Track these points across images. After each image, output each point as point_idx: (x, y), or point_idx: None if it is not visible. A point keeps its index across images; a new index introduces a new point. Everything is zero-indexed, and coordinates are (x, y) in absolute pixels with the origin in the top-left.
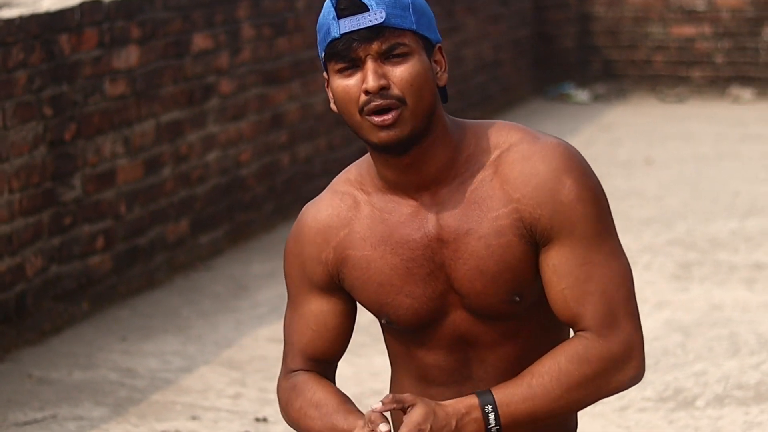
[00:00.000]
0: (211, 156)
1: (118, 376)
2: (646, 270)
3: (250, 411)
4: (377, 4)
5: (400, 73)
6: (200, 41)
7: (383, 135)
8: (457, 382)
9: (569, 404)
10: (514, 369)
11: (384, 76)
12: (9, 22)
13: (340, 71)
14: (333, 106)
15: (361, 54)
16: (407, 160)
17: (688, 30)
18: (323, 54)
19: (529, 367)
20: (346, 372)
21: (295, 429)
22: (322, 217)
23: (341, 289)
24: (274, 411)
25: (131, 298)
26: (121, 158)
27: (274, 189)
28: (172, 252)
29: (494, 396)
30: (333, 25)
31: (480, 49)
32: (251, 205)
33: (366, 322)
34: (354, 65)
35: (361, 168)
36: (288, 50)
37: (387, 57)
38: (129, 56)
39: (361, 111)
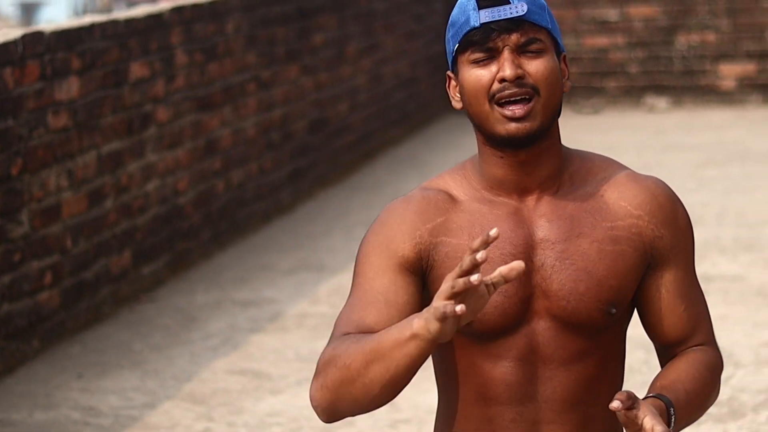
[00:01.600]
0: (151, 185)
1: (81, 415)
2: None
3: None
4: None
5: (536, 66)
6: (137, 69)
7: (513, 126)
8: (520, 401)
9: (704, 410)
10: (577, 394)
11: (520, 66)
12: None
13: (474, 61)
14: (456, 104)
15: (500, 44)
16: (523, 157)
17: (601, 41)
18: (456, 46)
19: (670, 372)
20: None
21: (341, 392)
22: (416, 204)
23: (422, 278)
24: None
25: (80, 334)
26: (65, 191)
27: (210, 216)
28: (117, 285)
29: (671, 400)
30: (473, 15)
31: (398, 66)
32: (189, 233)
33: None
34: (490, 56)
35: (454, 175)
36: (219, 75)
37: (523, 51)
38: (70, 87)
39: (491, 99)
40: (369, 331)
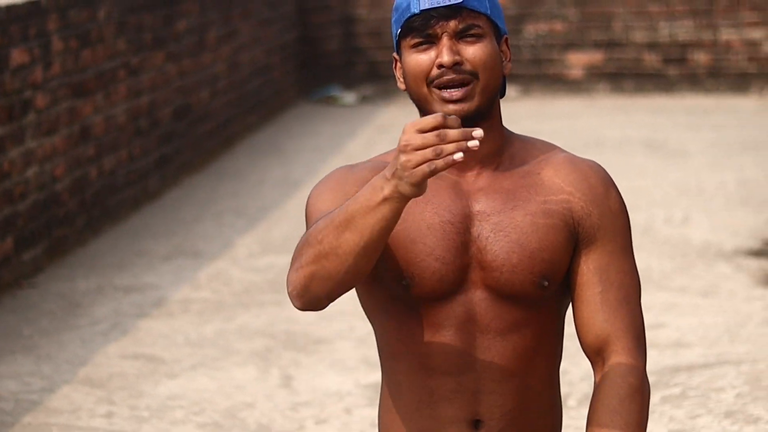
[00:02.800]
0: (30, 171)
1: None
2: None
3: (128, 429)
4: None
5: (473, 51)
6: (17, 56)
7: (451, 107)
8: (459, 371)
9: None
10: (515, 364)
11: (458, 53)
12: None
13: (414, 46)
14: (400, 84)
15: (438, 31)
16: None
17: None
18: (398, 30)
19: (603, 414)
20: (209, 386)
21: (315, 269)
22: (362, 168)
23: None
24: (150, 428)
25: None
26: None
27: (84, 203)
28: None
29: None
30: (414, 1)
31: (254, 53)
32: (65, 220)
33: (212, 334)
34: (429, 41)
35: (395, 151)
36: (92, 62)
37: (461, 36)
38: None
39: (430, 83)
40: None
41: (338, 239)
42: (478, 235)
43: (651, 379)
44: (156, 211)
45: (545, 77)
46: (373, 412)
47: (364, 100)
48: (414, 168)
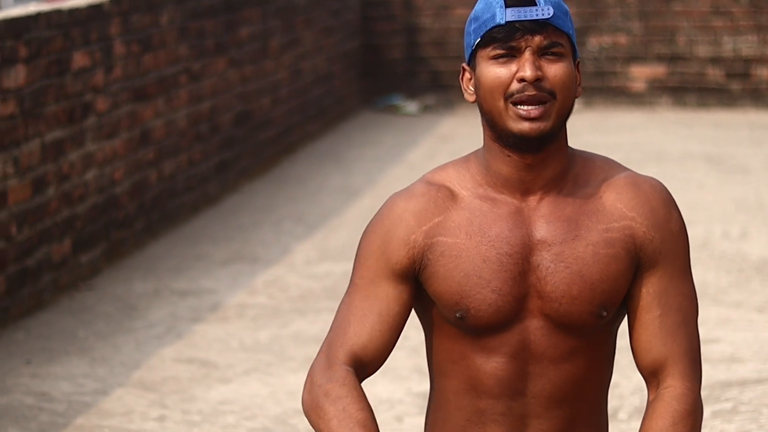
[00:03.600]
0: (90, 174)
1: (34, 401)
2: None
3: None
4: (545, 1)
5: (555, 70)
6: (79, 59)
7: (526, 125)
8: (509, 396)
9: None
10: (565, 391)
11: (540, 69)
12: None
13: (494, 57)
14: (468, 96)
15: (522, 44)
16: (530, 159)
17: None
18: (478, 40)
19: None
20: (262, 391)
21: (317, 421)
22: (416, 202)
23: (414, 280)
24: None
25: (23, 320)
26: (11, 178)
27: (143, 206)
28: (57, 272)
29: None
30: (499, 12)
31: (316, 61)
32: (124, 223)
33: (266, 340)
34: (510, 55)
35: (458, 167)
36: (153, 66)
37: (544, 53)
38: (17, 75)
39: (507, 98)
40: (361, 353)
41: None
42: (539, 265)
43: (703, 393)
44: (215, 216)
45: (608, 90)
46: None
47: (426, 109)
48: None
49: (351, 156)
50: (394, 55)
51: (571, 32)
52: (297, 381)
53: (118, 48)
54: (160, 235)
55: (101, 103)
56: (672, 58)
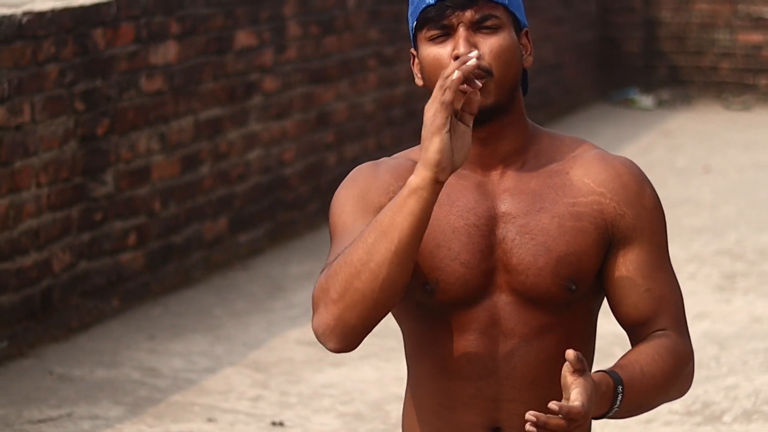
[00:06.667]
0: (253, 154)
1: (140, 375)
2: (690, 279)
3: (268, 414)
4: None
5: (490, 44)
6: (243, 38)
7: None
8: (480, 376)
9: (663, 396)
10: (538, 372)
11: (475, 45)
12: (40, 15)
13: (431, 39)
14: (418, 81)
15: (454, 21)
16: (483, 133)
17: (755, 37)
18: (414, 23)
19: (630, 354)
20: (370, 376)
21: (347, 296)
22: (387, 165)
23: None
24: (292, 415)
25: (164, 296)
26: (156, 155)
27: (318, 188)
28: (210, 250)
29: (622, 378)
30: None
31: (540, 51)
32: (294, 204)
33: (396, 326)
34: (445, 33)
35: (419, 149)
36: (336, 49)
37: (478, 28)
38: (167, 52)
39: None
40: None
41: (368, 253)
42: (504, 238)
43: None
44: None
45: None
46: None
47: (662, 104)
48: (432, 118)
49: None
50: (631, 48)
51: (506, 2)
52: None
53: (293, 29)
54: None
55: (269, 83)
56: None
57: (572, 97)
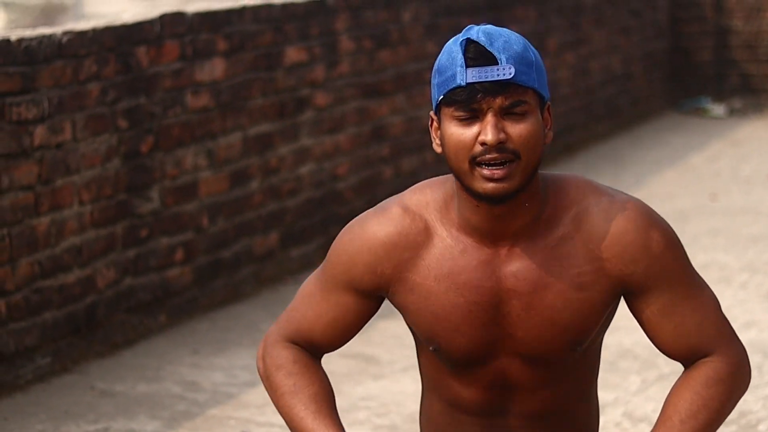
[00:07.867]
0: (305, 169)
1: (180, 390)
2: (741, 289)
3: None
4: (507, 59)
5: (519, 130)
6: (293, 54)
7: (491, 186)
8: (490, 414)
9: (719, 420)
10: (548, 409)
11: (503, 130)
12: (81, 34)
13: (457, 118)
14: (437, 147)
15: (484, 106)
16: (499, 210)
17: None
18: (441, 97)
19: (669, 405)
20: (409, 388)
21: (270, 394)
22: (388, 232)
23: (380, 298)
24: None
25: (212, 311)
26: (203, 171)
27: (374, 202)
28: (260, 265)
29: None
30: (459, 72)
31: (608, 61)
32: (348, 218)
33: None
34: (473, 116)
35: (438, 196)
36: (391, 63)
37: (507, 113)
38: (214, 68)
39: (471, 160)
40: (312, 343)
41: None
42: (509, 312)
43: None
44: None
45: None
46: None
47: (733, 112)
48: None
49: (633, 157)
50: (703, 57)
51: (536, 85)
52: None
53: (345, 43)
54: None
55: (320, 98)
56: None
57: (641, 106)
